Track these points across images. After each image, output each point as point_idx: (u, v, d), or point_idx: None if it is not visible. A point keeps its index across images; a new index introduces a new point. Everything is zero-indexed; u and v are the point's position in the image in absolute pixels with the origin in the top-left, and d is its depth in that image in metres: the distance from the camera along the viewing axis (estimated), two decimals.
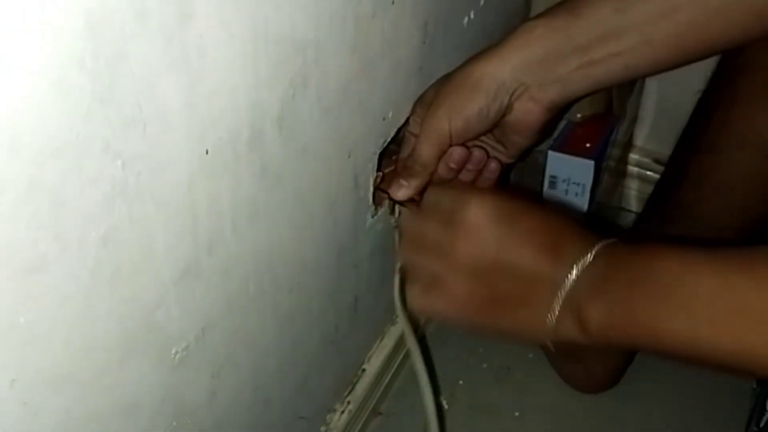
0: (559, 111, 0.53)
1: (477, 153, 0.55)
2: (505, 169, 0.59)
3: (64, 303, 0.31)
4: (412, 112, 0.56)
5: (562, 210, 0.48)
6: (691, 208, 0.64)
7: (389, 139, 0.56)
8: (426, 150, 0.52)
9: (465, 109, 0.50)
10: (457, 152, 0.53)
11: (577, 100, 0.53)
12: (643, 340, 0.41)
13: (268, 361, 0.51)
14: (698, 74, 0.64)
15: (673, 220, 0.66)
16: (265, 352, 0.49)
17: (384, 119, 0.54)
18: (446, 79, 0.52)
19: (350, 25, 0.45)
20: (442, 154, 0.53)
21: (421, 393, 0.60)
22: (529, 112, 0.52)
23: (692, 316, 0.38)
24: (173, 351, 0.39)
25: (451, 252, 0.45)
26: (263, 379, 0.51)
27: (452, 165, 0.54)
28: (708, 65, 0.64)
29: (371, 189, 0.56)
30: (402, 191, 0.54)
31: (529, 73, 0.50)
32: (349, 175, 0.52)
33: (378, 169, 0.57)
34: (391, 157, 0.62)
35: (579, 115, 0.75)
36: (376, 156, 0.55)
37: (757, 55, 0.58)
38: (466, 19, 0.62)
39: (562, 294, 0.43)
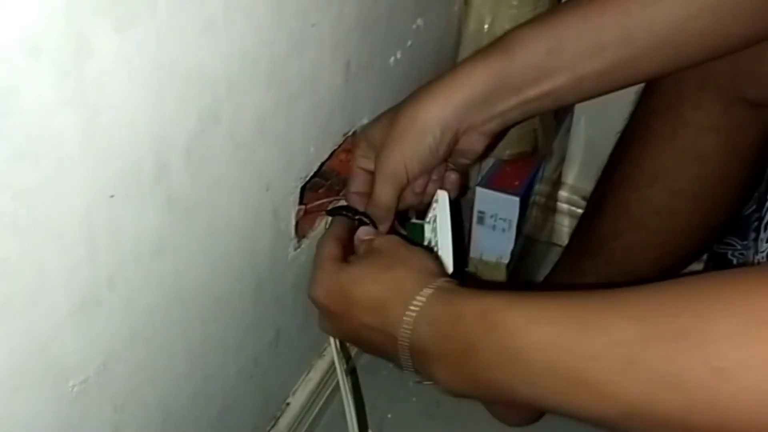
0: (497, 137, 0.58)
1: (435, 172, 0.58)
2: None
3: None
4: (356, 146, 0.58)
5: (388, 264, 0.50)
6: (608, 242, 0.66)
7: (312, 173, 0.57)
8: (386, 194, 0.55)
9: (417, 151, 0.53)
10: (419, 182, 0.57)
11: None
12: (496, 399, 0.42)
13: (179, 394, 0.50)
14: (624, 114, 0.67)
15: (592, 253, 0.68)
16: (174, 385, 0.49)
17: (305, 155, 0.55)
18: (392, 120, 0.55)
19: (264, 63, 0.45)
20: (401, 192, 0.56)
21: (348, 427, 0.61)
22: (473, 143, 0.56)
23: (533, 387, 0.39)
24: (70, 384, 0.39)
25: (320, 323, 0.54)
26: (174, 413, 0.50)
27: (417, 191, 0.58)
28: (631, 108, 0.67)
29: (293, 222, 0.57)
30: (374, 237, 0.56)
31: (470, 114, 0.53)
32: (268, 208, 0.53)
33: (301, 203, 0.57)
34: (317, 190, 0.63)
35: (507, 153, 0.77)
36: (298, 189, 0.56)
37: (668, 98, 0.61)
38: (393, 58, 0.64)
39: (407, 358, 0.45)
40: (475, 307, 0.42)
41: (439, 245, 0.57)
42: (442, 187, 0.59)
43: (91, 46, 0.32)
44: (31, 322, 0.35)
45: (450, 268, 0.56)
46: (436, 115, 0.53)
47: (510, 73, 0.52)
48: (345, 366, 0.60)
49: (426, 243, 0.58)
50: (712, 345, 0.33)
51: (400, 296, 0.46)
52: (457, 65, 0.54)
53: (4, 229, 0.31)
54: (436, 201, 0.58)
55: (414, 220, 0.60)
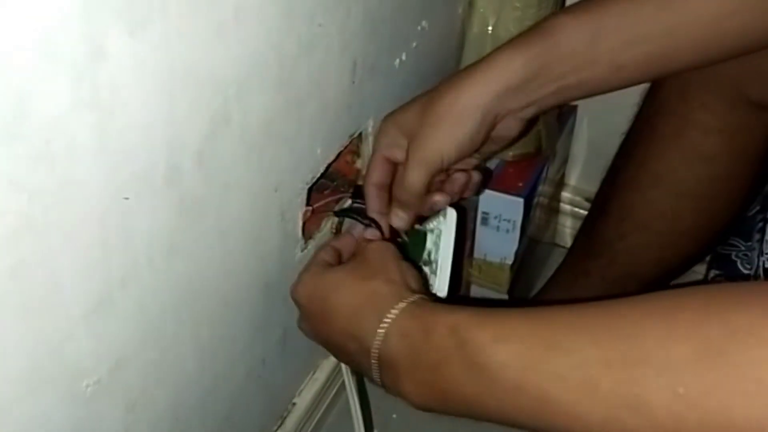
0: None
1: (461, 178, 0.57)
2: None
3: None
4: (383, 134, 0.56)
5: (364, 276, 0.50)
6: (612, 243, 0.66)
7: (319, 175, 0.57)
8: (418, 180, 0.53)
9: (456, 137, 0.52)
10: (460, 180, 0.56)
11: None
12: (465, 416, 0.42)
13: (189, 395, 0.50)
14: (627, 116, 0.67)
15: (597, 254, 0.68)
16: (185, 386, 0.49)
17: (312, 156, 0.55)
18: (428, 105, 0.53)
19: (273, 65, 0.46)
20: (432, 180, 0.55)
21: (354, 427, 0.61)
22: (509, 128, 0.55)
23: (501, 404, 0.39)
24: (84, 384, 0.39)
25: (299, 322, 0.55)
26: (183, 413, 0.51)
27: (456, 189, 0.57)
28: (635, 109, 0.67)
29: (300, 223, 0.57)
30: (403, 223, 0.56)
31: (510, 99, 0.52)
32: (276, 209, 0.53)
33: (308, 204, 0.58)
34: (323, 191, 0.63)
35: (511, 154, 0.78)
36: (305, 191, 0.56)
37: (673, 99, 0.61)
38: (398, 60, 0.64)
39: (376, 370, 0.46)
40: (446, 323, 0.42)
41: (438, 263, 0.56)
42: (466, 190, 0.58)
43: (105, 49, 0.32)
44: (46, 323, 0.35)
45: (444, 290, 0.55)
46: (476, 100, 0.52)
47: (550, 60, 0.52)
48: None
49: (425, 253, 0.58)
50: (673, 371, 0.33)
51: (374, 308, 0.46)
52: (495, 50, 0.53)
53: (21, 230, 0.32)
54: (443, 216, 0.57)
55: (417, 226, 0.59)
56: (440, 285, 0.55)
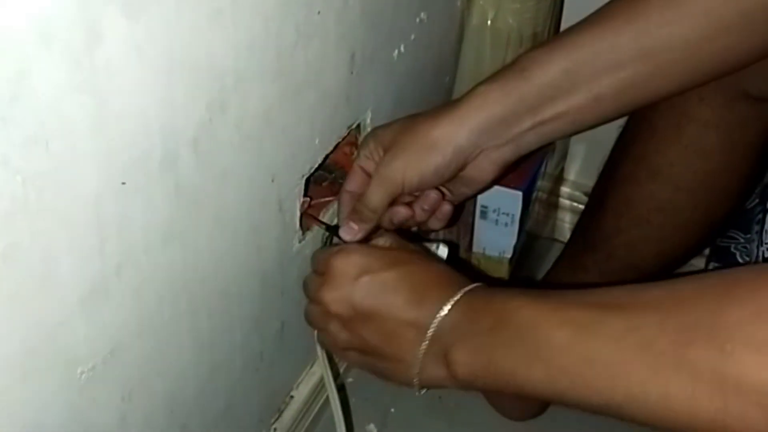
0: (508, 167, 0.56)
1: (433, 195, 0.57)
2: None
3: None
4: (363, 146, 0.57)
5: (429, 260, 0.52)
6: (610, 237, 0.66)
7: (317, 165, 0.57)
8: (377, 197, 0.54)
9: (421, 166, 0.53)
10: (431, 197, 0.56)
11: (526, 157, 0.57)
12: (507, 388, 0.43)
13: (186, 386, 0.50)
14: None
15: (595, 248, 0.68)
16: (181, 376, 0.49)
17: (310, 147, 0.55)
18: (405, 129, 0.54)
19: (272, 54, 0.46)
20: (392, 201, 0.55)
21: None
22: (482, 170, 0.55)
23: (548, 367, 0.40)
24: (79, 371, 0.39)
25: (322, 303, 0.51)
26: (180, 404, 0.50)
27: (426, 207, 0.57)
28: None
29: (298, 214, 0.57)
30: (351, 235, 0.55)
31: (485, 137, 0.53)
32: (273, 199, 0.53)
33: (305, 194, 0.58)
34: (321, 183, 0.63)
35: (496, 174, 0.77)
36: (303, 181, 0.56)
37: None
38: (396, 51, 0.64)
39: (426, 342, 0.46)
40: (507, 293, 0.44)
41: None
42: (433, 218, 0.58)
43: (102, 32, 0.32)
44: (40, 308, 0.35)
45: None
46: (450, 135, 0.52)
47: (526, 94, 0.52)
48: (334, 381, 0.60)
49: None
50: (723, 330, 0.35)
51: (444, 284, 0.47)
52: (473, 88, 0.54)
53: (15, 213, 0.31)
54: (436, 251, 0.57)
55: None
56: None
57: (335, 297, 0.50)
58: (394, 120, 0.58)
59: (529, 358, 0.41)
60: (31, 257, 0.33)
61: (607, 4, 0.53)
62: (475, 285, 0.47)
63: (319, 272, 0.52)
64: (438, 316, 0.46)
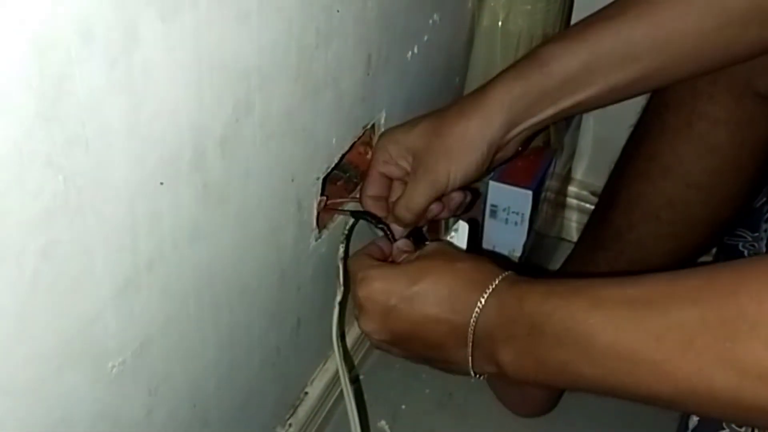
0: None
1: (458, 197, 0.60)
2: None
3: (2, 313, 0.32)
4: (381, 150, 0.59)
5: (449, 261, 0.51)
6: (621, 234, 0.67)
7: (333, 165, 0.58)
8: (422, 199, 0.57)
9: (464, 166, 0.56)
10: (457, 198, 0.59)
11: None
12: (561, 384, 0.44)
13: (207, 381, 0.51)
14: (632, 111, 0.68)
15: (605, 246, 0.69)
16: (204, 371, 0.50)
17: (327, 146, 0.56)
18: (434, 131, 0.56)
19: (293, 55, 0.47)
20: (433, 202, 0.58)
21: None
22: (507, 151, 0.59)
23: (594, 367, 0.41)
24: (110, 365, 0.40)
25: (365, 333, 0.52)
26: (202, 398, 0.51)
27: (452, 207, 0.60)
28: (640, 103, 0.68)
29: (315, 213, 0.58)
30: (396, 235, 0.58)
31: (512, 128, 0.57)
32: (292, 198, 0.54)
33: (322, 194, 0.58)
34: (336, 182, 0.64)
35: (519, 148, 0.78)
36: (320, 181, 0.57)
37: (682, 92, 0.62)
38: (410, 53, 0.65)
39: (469, 344, 0.47)
40: (539, 291, 0.44)
41: None
42: (461, 217, 0.60)
43: (139, 34, 0.33)
44: (76, 303, 0.36)
45: None
46: (483, 133, 0.55)
47: (547, 87, 0.55)
48: (348, 375, 0.61)
49: None
50: (766, 324, 0.35)
51: (471, 285, 0.48)
52: (494, 80, 0.56)
53: (56, 211, 0.32)
54: (456, 230, 0.58)
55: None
56: None
57: (373, 329, 0.51)
58: (406, 122, 0.60)
59: (577, 360, 0.41)
60: (69, 254, 0.34)
61: None
62: (499, 279, 0.47)
63: (354, 304, 0.53)
64: (472, 320, 0.46)
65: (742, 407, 0.36)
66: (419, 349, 0.50)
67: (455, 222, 0.59)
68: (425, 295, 0.49)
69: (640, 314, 0.39)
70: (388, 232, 0.58)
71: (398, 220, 0.58)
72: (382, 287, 0.50)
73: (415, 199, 0.57)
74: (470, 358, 0.47)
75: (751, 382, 0.35)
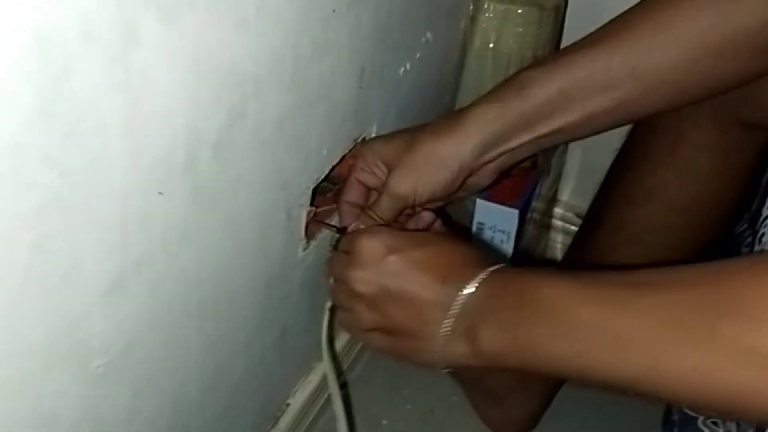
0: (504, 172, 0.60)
1: (427, 217, 0.60)
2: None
3: None
4: (360, 158, 0.60)
5: (456, 240, 0.53)
6: (604, 256, 0.68)
7: (323, 176, 0.59)
8: (388, 212, 0.57)
9: (431, 183, 0.56)
10: (427, 218, 0.59)
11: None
12: (532, 365, 0.44)
13: (191, 387, 0.51)
14: (618, 135, 0.69)
15: (588, 267, 0.70)
16: (187, 376, 0.50)
17: (318, 157, 0.57)
18: (410, 145, 0.57)
19: (289, 64, 0.47)
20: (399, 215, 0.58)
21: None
22: (482, 178, 0.59)
23: (576, 344, 0.41)
24: (95, 364, 0.40)
25: (348, 283, 0.51)
26: (185, 404, 0.51)
27: (421, 227, 0.59)
28: (626, 127, 0.69)
29: (304, 222, 0.59)
30: None
31: (486, 151, 0.56)
32: (282, 207, 0.54)
33: (311, 204, 0.59)
34: (325, 194, 0.64)
35: (494, 178, 0.79)
36: (310, 191, 0.58)
37: (667, 117, 0.64)
38: (402, 69, 0.66)
39: (451, 319, 0.47)
40: (530, 273, 0.45)
41: None
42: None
43: (139, 35, 0.34)
44: (64, 300, 0.36)
45: None
46: (455, 153, 0.55)
47: (524, 111, 0.55)
48: (337, 379, 0.61)
49: None
50: (755, 305, 0.35)
51: (471, 261, 0.48)
52: (473, 104, 0.57)
53: (49, 205, 0.33)
54: None
55: None
56: None
57: (362, 276, 0.50)
58: (389, 134, 0.61)
59: (556, 335, 0.42)
60: (60, 250, 0.34)
61: (601, 27, 0.56)
62: (501, 265, 0.48)
63: (345, 252, 0.53)
64: (462, 293, 0.46)
65: (727, 388, 0.36)
66: (396, 314, 0.49)
67: None
68: (424, 260, 0.49)
69: (630, 294, 0.40)
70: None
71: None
72: (386, 240, 0.50)
73: (382, 210, 0.57)
74: (445, 333, 0.47)
75: (738, 360, 0.35)
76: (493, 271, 0.47)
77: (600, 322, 0.40)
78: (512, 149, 0.56)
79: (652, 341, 0.38)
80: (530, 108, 0.55)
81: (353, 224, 0.58)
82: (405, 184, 0.56)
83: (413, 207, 0.58)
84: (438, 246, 0.50)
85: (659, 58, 0.53)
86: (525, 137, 0.56)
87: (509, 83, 0.56)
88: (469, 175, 0.57)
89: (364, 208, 0.59)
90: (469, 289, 0.46)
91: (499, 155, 0.57)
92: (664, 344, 0.38)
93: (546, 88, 0.55)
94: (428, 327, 0.48)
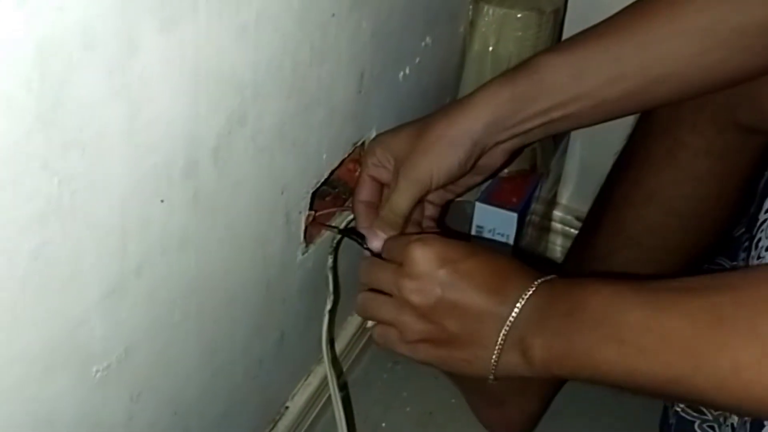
0: (515, 153, 0.61)
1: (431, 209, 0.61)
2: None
3: None
4: (370, 154, 0.59)
5: (501, 253, 0.53)
6: (604, 258, 0.68)
7: (322, 180, 0.59)
8: (406, 201, 0.57)
9: (447, 163, 0.56)
10: (431, 211, 0.60)
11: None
12: (582, 371, 0.44)
13: (189, 390, 0.51)
14: (618, 138, 0.70)
15: (588, 270, 0.70)
16: (186, 379, 0.50)
17: (318, 161, 0.57)
18: (420, 132, 0.57)
19: (288, 70, 0.48)
20: (418, 203, 0.58)
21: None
22: (494, 158, 0.59)
23: (623, 346, 0.42)
24: (94, 369, 0.40)
25: (400, 294, 0.50)
26: (183, 407, 0.51)
27: (430, 223, 0.60)
28: (626, 129, 0.69)
29: (303, 226, 0.59)
30: (379, 242, 0.57)
31: (498, 131, 0.56)
32: (281, 211, 0.55)
33: (310, 208, 0.59)
34: (324, 197, 0.65)
35: (506, 171, 0.80)
36: (309, 195, 0.58)
37: (666, 121, 0.64)
38: (402, 73, 0.66)
39: (506, 329, 0.47)
40: (580, 282, 0.46)
41: None
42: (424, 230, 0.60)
43: (139, 43, 0.34)
44: (63, 305, 0.36)
45: None
46: (468, 130, 0.55)
47: (536, 95, 0.55)
48: (337, 380, 0.61)
49: None
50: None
51: (522, 272, 0.48)
52: (484, 85, 0.57)
53: (50, 212, 0.33)
54: None
55: None
56: None
57: (418, 287, 0.49)
58: (395, 127, 0.60)
59: (606, 339, 0.42)
60: (60, 256, 0.35)
61: (614, 16, 0.56)
62: (552, 276, 0.48)
63: (395, 261, 0.51)
64: (518, 303, 0.46)
65: (763, 385, 0.37)
66: (452, 325, 0.48)
67: None
68: (478, 270, 0.49)
69: (677, 298, 0.41)
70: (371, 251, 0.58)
71: (384, 224, 0.57)
72: (440, 250, 0.49)
73: (398, 199, 0.57)
74: (500, 344, 0.46)
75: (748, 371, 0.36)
76: (545, 281, 0.47)
77: (646, 324, 0.41)
78: (524, 132, 0.57)
79: (694, 342, 0.39)
80: (542, 92, 0.55)
81: (370, 237, 0.57)
82: (421, 167, 0.56)
83: (428, 193, 0.58)
84: (485, 257, 0.50)
85: (668, 49, 0.54)
86: (536, 120, 0.56)
87: (522, 67, 0.57)
88: (481, 155, 0.57)
89: (378, 207, 0.59)
90: (524, 299, 0.47)
91: (511, 137, 0.57)
92: (706, 344, 0.39)
93: (558, 73, 0.55)
94: (484, 338, 0.48)
